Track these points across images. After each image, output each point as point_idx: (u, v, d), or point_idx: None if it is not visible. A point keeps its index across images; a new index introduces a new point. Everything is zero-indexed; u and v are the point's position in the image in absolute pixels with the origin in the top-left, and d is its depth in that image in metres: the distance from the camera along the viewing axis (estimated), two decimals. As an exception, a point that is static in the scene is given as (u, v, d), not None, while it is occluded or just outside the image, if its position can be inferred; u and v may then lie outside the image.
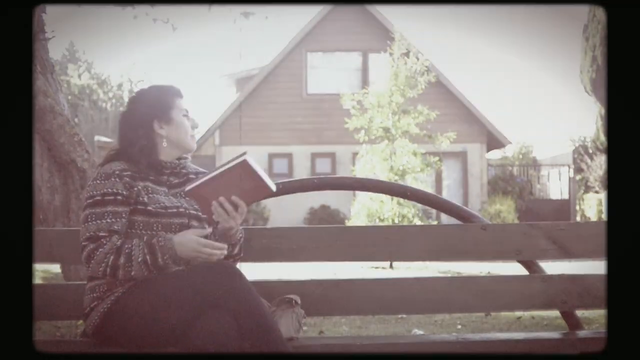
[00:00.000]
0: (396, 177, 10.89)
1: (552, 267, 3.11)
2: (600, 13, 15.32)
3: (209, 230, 2.29)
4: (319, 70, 17.57)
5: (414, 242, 2.79)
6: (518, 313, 5.31)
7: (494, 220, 14.46)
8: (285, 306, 2.52)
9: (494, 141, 17.71)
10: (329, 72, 17.55)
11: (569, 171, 18.85)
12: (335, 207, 16.35)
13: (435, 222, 14.16)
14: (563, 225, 2.82)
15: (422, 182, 11.73)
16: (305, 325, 2.72)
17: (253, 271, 2.75)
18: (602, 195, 17.85)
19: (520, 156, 23.29)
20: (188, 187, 2.24)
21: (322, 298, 2.71)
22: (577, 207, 18.70)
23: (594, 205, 18.20)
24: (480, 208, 16.39)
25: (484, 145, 17.44)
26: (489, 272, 8.12)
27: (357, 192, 12.43)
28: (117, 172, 2.34)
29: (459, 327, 5.06)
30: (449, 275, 7.94)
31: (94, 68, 24.75)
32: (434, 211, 14.82)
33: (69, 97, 21.53)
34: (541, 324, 5.12)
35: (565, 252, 2.78)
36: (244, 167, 2.19)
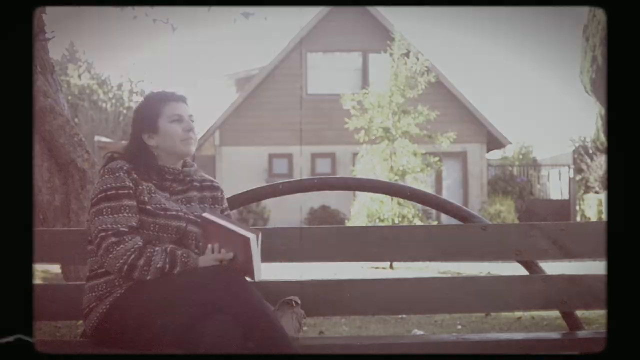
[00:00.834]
0: (396, 177, 10.89)
1: (552, 267, 3.11)
2: (600, 13, 15.31)
3: (231, 255, 2.32)
4: (319, 70, 17.56)
5: (414, 243, 2.79)
6: (518, 313, 5.31)
7: (494, 221, 14.46)
8: (285, 307, 2.52)
9: (493, 141, 17.71)
10: (329, 73, 17.53)
11: (569, 171, 18.83)
12: (335, 208, 16.35)
13: (435, 222, 14.15)
14: (563, 226, 2.82)
15: (422, 182, 11.72)
16: (305, 325, 2.72)
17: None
18: (602, 196, 17.85)
19: (520, 156, 23.27)
20: (206, 214, 2.36)
21: (322, 298, 2.72)
22: (577, 208, 18.69)
23: (594, 206, 18.19)
24: (480, 208, 16.38)
25: (483, 145, 17.44)
26: (489, 272, 8.12)
27: (357, 193, 12.42)
28: (125, 168, 2.38)
29: (459, 327, 5.05)
30: (449, 275, 7.93)
31: (94, 68, 24.69)
32: (434, 211, 14.81)
33: (69, 97, 21.50)
34: (541, 324, 5.12)
35: (565, 252, 2.78)
36: (245, 243, 2.28)
